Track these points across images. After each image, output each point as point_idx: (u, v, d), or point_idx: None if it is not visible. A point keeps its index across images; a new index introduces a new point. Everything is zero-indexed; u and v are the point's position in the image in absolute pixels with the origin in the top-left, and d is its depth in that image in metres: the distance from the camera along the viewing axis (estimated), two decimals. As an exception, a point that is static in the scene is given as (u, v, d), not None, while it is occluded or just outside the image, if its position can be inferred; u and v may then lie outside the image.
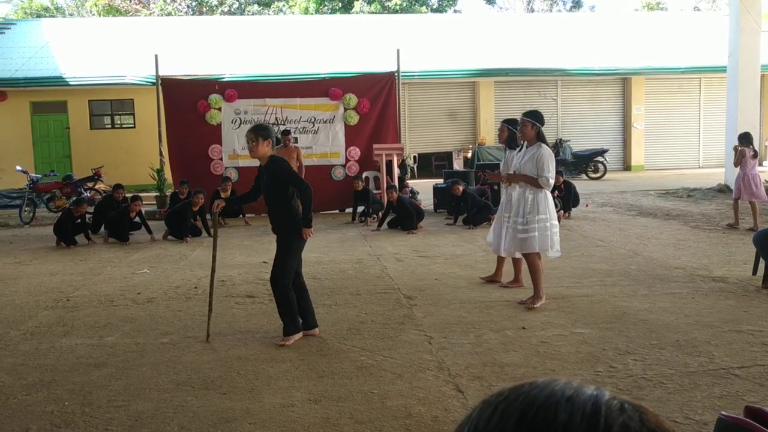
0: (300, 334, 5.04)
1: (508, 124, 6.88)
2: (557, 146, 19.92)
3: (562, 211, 11.09)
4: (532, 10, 37.93)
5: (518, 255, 6.25)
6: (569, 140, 20.72)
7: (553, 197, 10.84)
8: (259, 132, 5.00)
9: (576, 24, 25.05)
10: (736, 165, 10.10)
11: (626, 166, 22.05)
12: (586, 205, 12.85)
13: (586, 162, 19.78)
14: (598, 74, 20.98)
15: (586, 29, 23.77)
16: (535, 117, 5.98)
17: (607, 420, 0.57)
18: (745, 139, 10.01)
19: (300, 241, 5.05)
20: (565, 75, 20.99)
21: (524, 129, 5.94)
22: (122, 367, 4.54)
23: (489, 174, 7.03)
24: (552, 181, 5.89)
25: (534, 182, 5.81)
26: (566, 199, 11.46)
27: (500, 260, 6.77)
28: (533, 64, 20.43)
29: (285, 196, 4.99)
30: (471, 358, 4.57)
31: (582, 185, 17.62)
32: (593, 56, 21.11)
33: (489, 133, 21.19)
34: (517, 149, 6.22)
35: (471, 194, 11.02)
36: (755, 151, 10.03)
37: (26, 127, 19.65)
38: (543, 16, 31.37)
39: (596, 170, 19.61)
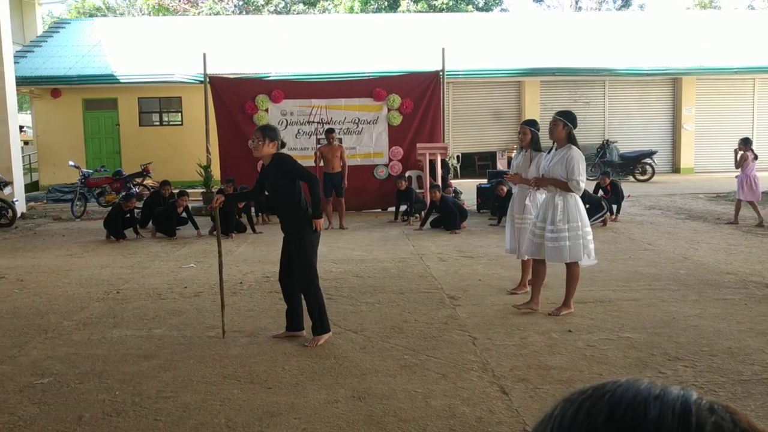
0: (330, 333, 4.99)
1: (530, 125, 6.40)
2: (604, 147, 19.59)
3: (608, 214, 10.89)
4: (580, 9, 37.37)
5: (526, 257, 6.05)
6: (616, 141, 20.35)
7: (600, 199, 10.73)
8: (266, 132, 4.93)
9: (625, 23, 24.59)
10: (737, 167, 10.84)
11: (675, 169, 21.55)
12: (628, 195, 12.61)
13: (634, 164, 19.40)
14: (648, 74, 20.55)
15: (635, 28, 23.31)
16: (568, 117, 5.68)
17: (698, 419, 0.55)
18: (746, 143, 10.72)
19: (314, 235, 5.00)
20: (613, 75, 20.61)
21: (555, 129, 5.60)
22: (170, 359, 4.63)
23: (508, 176, 6.57)
24: (583, 185, 5.56)
25: (563, 186, 5.48)
26: (614, 200, 11.24)
27: (525, 265, 6.46)
28: (580, 63, 20.12)
29: (293, 192, 4.94)
30: (516, 360, 4.53)
31: (629, 187, 17.28)
32: (642, 56, 20.67)
33: (534, 134, 20.97)
34: (546, 151, 5.89)
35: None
36: (755, 155, 10.76)
37: (78, 124, 20.21)
38: (591, 15, 30.87)
39: (644, 172, 19.22)
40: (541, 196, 5.87)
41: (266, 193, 5.28)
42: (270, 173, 4.97)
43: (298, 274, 4.95)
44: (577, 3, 38.09)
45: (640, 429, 0.55)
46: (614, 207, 11.36)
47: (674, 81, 21.41)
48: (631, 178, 19.16)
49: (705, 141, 21.30)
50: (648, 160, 19.26)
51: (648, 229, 10.35)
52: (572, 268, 5.64)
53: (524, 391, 3.98)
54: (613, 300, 6.08)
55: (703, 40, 21.92)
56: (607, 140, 20.25)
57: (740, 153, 10.72)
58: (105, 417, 3.69)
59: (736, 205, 10.95)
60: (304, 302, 5.05)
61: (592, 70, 20.18)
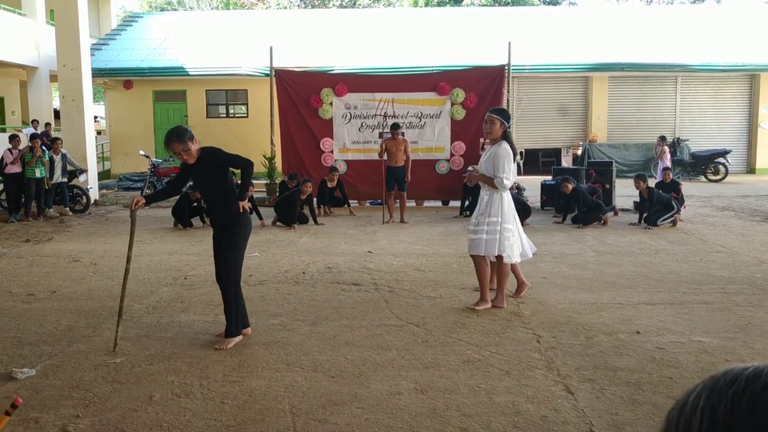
0: (240, 337, 4.80)
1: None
2: (674, 145, 18.95)
3: (678, 214, 10.50)
4: (651, 2, 36.23)
5: (516, 260, 5.79)
6: (687, 139, 19.70)
7: (670, 199, 10.34)
8: (189, 136, 4.69)
9: (699, 16, 23.70)
10: None
11: (750, 169, 20.69)
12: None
13: (706, 163, 18.73)
14: (723, 70, 19.75)
15: (710, 22, 22.43)
16: (503, 115, 5.67)
17: None
18: None
19: (247, 230, 4.86)
20: (686, 71, 19.91)
21: (492, 127, 5.57)
22: (237, 344, 4.72)
23: (467, 175, 6.31)
24: (507, 182, 5.48)
25: (490, 182, 5.52)
26: (647, 207, 10.47)
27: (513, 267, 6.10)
28: (651, 58, 19.51)
29: (226, 184, 4.80)
30: (581, 359, 4.42)
31: (700, 187, 16.72)
32: (718, 51, 19.88)
33: (601, 130, 20.51)
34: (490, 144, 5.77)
35: (582, 192, 10.67)
36: None
37: (149, 115, 20.85)
38: (663, 8, 29.91)
39: (716, 172, 18.54)
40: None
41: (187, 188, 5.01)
42: (200, 168, 4.76)
43: (225, 271, 4.75)
44: (648, -4, 36.95)
45: None
46: (650, 215, 10.54)
47: (751, 77, 20.55)
48: (702, 178, 18.50)
49: (783, 141, 20.38)
50: (721, 160, 18.56)
51: (721, 231, 9.96)
52: (500, 264, 5.69)
53: (590, 392, 3.88)
54: (684, 302, 5.87)
55: (784, 35, 20.93)
56: (678, 138, 19.60)
57: None
58: (174, 398, 3.79)
59: None
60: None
61: (664, 66, 19.53)
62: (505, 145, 5.53)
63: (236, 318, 4.76)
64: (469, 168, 6.54)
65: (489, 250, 5.57)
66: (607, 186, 12.31)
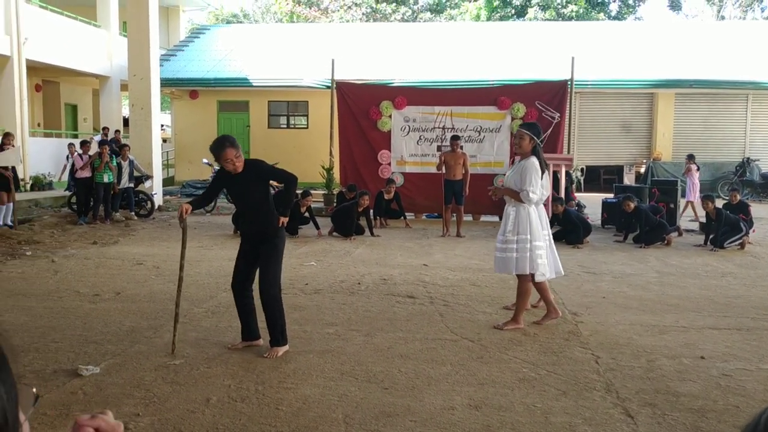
0: (287, 346, 4.76)
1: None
2: (744, 166, 18.29)
3: (746, 237, 10.09)
4: (723, 18, 35.18)
5: (550, 276, 5.67)
6: (758, 159, 18.96)
7: (738, 220, 9.95)
8: (235, 144, 4.67)
9: (773, 33, 22.88)
10: None
11: (826, 191, 19.76)
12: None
13: (777, 184, 17.99)
14: (798, 88, 18.99)
15: (785, 39, 21.62)
16: (533, 130, 5.56)
17: None
18: None
19: (284, 245, 4.83)
20: (758, 88, 19.23)
21: (521, 142, 5.50)
22: (291, 352, 4.76)
23: (492, 189, 6.11)
24: (533, 196, 5.36)
25: (516, 196, 5.43)
26: (714, 228, 10.09)
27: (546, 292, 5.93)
28: (720, 75, 18.91)
29: (268, 197, 4.79)
30: (642, 383, 4.29)
31: (771, 209, 16.06)
32: (792, 68, 19.14)
33: (666, 148, 19.97)
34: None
35: (644, 211, 10.39)
36: None
37: (213, 124, 21.40)
38: (735, 24, 28.99)
39: (789, 193, 17.79)
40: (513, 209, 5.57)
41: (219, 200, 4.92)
42: (243, 178, 4.72)
43: (267, 285, 4.69)
44: (719, 12, 35.89)
45: None
46: (717, 237, 10.08)
47: (829, 96, 19.68)
48: (773, 199, 17.79)
49: None
50: (794, 181, 17.81)
51: (793, 256, 9.54)
52: (522, 283, 5.53)
53: (651, 417, 3.76)
54: (752, 328, 5.63)
55: None
56: (748, 158, 18.91)
57: None
58: (230, 401, 3.85)
59: None
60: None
61: (734, 83, 18.93)
62: (534, 160, 5.47)
63: (282, 327, 4.74)
64: (496, 181, 6.46)
65: (520, 269, 5.47)
66: (671, 206, 11.97)
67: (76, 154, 12.92)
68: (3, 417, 0.70)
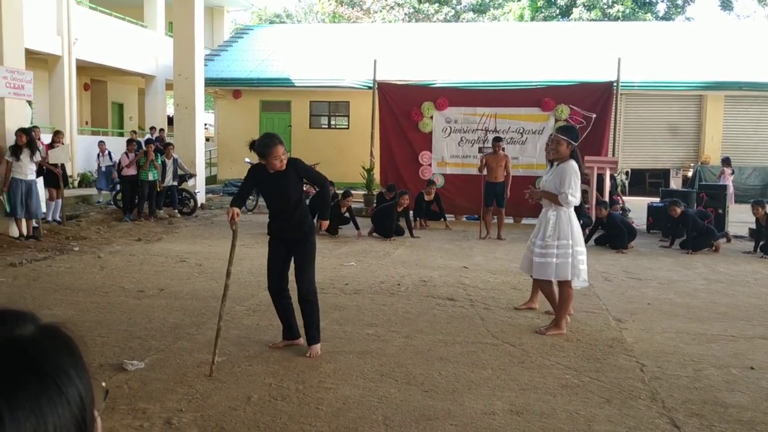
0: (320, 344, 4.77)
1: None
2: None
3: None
4: (775, 19, 34.15)
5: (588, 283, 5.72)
6: (811, 165, 18.35)
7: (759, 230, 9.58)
8: (282, 141, 4.70)
9: (829, 34, 22.11)
10: None
11: None
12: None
13: (831, 190, 17.39)
14: None
15: (841, 40, 20.87)
16: (569, 134, 5.49)
17: None
18: None
19: (316, 244, 4.88)
20: (812, 91, 18.60)
21: (558, 147, 5.43)
22: (331, 351, 4.77)
23: (529, 191, 5.94)
24: (573, 200, 5.29)
25: (555, 199, 5.34)
26: (764, 234, 9.82)
27: (535, 285, 6.05)
28: (772, 77, 18.35)
29: (302, 195, 4.85)
30: (689, 392, 4.18)
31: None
32: None
33: (714, 152, 19.46)
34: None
35: (692, 216, 10.14)
36: None
37: (255, 124, 21.62)
38: (787, 25, 28.07)
39: (843, 200, 17.16)
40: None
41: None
42: (284, 176, 4.68)
43: (307, 284, 4.72)
44: (771, 12, 34.84)
45: None
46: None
47: None
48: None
49: None
50: None
51: None
52: (563, 288, 5.42)
53: (698, 428, 3.65)
54: (806, 339, 5.44)
55: None
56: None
57: None
58: (271, 400, 3.87)
59: None
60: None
61: (787, 86, 18.33)
62: (573, 163, 5.42)
63: (318, 324, 4.77)
64: (533, 184, 6.39)
65: (561, 275, 5.38)
66: (720, 211, 11.66)
67: (122, 152, 13.20)
68: (82, 414, 0.71)
